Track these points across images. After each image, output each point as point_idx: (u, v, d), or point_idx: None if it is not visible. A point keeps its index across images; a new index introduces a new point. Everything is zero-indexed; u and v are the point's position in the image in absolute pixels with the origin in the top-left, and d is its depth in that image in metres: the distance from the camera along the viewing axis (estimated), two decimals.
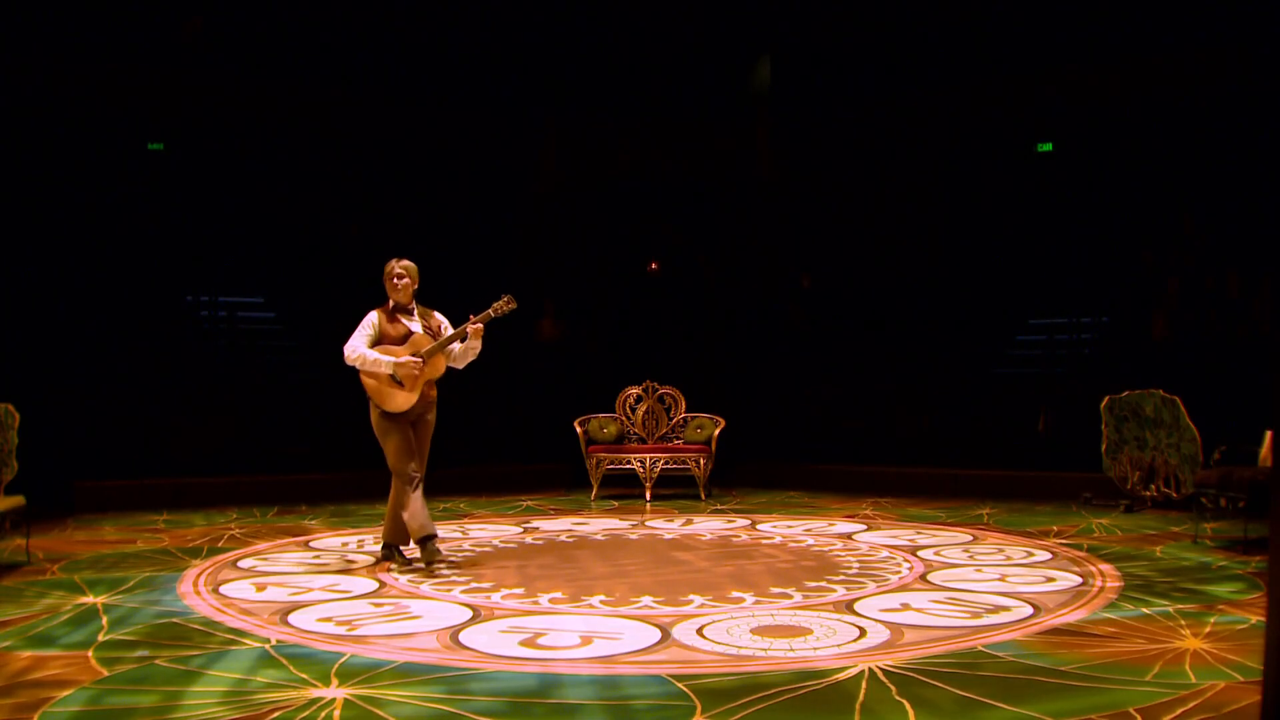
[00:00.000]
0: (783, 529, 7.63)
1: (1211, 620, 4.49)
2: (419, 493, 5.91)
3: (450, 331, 6.04)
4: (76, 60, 10.32)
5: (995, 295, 11.91)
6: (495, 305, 5.96)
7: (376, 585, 5.50)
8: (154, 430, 10.02)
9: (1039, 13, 11.26)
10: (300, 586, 5.46)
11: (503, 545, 6.90)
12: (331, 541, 7.08)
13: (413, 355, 5.85)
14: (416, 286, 6.09)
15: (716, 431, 9.89)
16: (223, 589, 5.36)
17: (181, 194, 11.24)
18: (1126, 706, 3.31)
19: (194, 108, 10.96)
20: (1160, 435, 8.37)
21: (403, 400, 5.87)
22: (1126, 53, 11.01)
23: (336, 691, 3.54)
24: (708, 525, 7.90)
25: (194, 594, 5.24)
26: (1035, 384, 10.94)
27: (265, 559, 6.36)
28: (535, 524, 7.98)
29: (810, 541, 6.97)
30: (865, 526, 7.70)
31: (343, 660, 3.94)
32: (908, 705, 3.35)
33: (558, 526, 7.86)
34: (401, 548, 6.10)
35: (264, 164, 11.62)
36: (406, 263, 6.05)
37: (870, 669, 3.75)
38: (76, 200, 10.65)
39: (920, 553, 6.42)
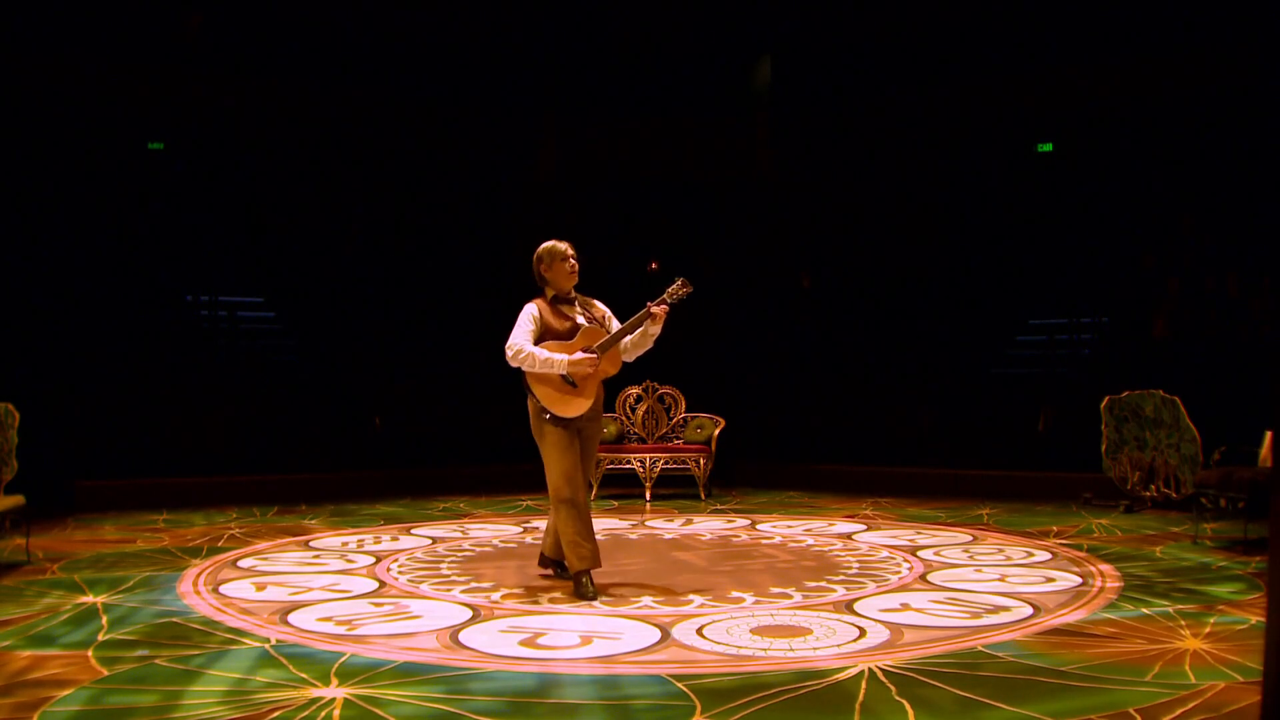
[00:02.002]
0: (783, 529, 7.63)
1: (1211, 620, 4.49)
2: (579, 514, 5.21)
3: (617, 323, 5.29)
4: (77, 60, 10.32)
5: (995, 295, 11.91)
6: (670, 289, 5.16)
7: (376, 585, 5.50)
8: (154, 430, 10.02)
9: (1039, 13, 11.26)
10: (300, 586, 5.46)
11: (503, 545, 6.90)
12: (331, 541, 7.08)
13: (585, 350, 5.12)
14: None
15: (716, 431, 9.89)
16: (223, 589, 5.36)
17: (181, 194, 11.24)
18: (1126, 706, 3.31)
19: (194, 108, 10.96)
20: (1160, 435, 8.37)
21: (577, 403, 5.14)
22: (1126, 53, 11.01)
23: (336, 691, 3.54)
24: (708, 525, 7.90)
25: (194, 593, 5.24)
26: (1035, 384, 10.95)
27: (265, 559, 6.36)
28: (535, 524, 7.98)
29: (810, 541, 6.97)
30: (865, 526, 7.70)
31: (343, 660, 3.94)
32: (907, 705, 3.35)
33: None
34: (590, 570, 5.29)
35: (264, 164, 11.62)
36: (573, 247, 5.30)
37: (870, 669, 3.75)
38: (76, 200, 10.65)
39: (920, 553, 6.42)
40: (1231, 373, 9.49)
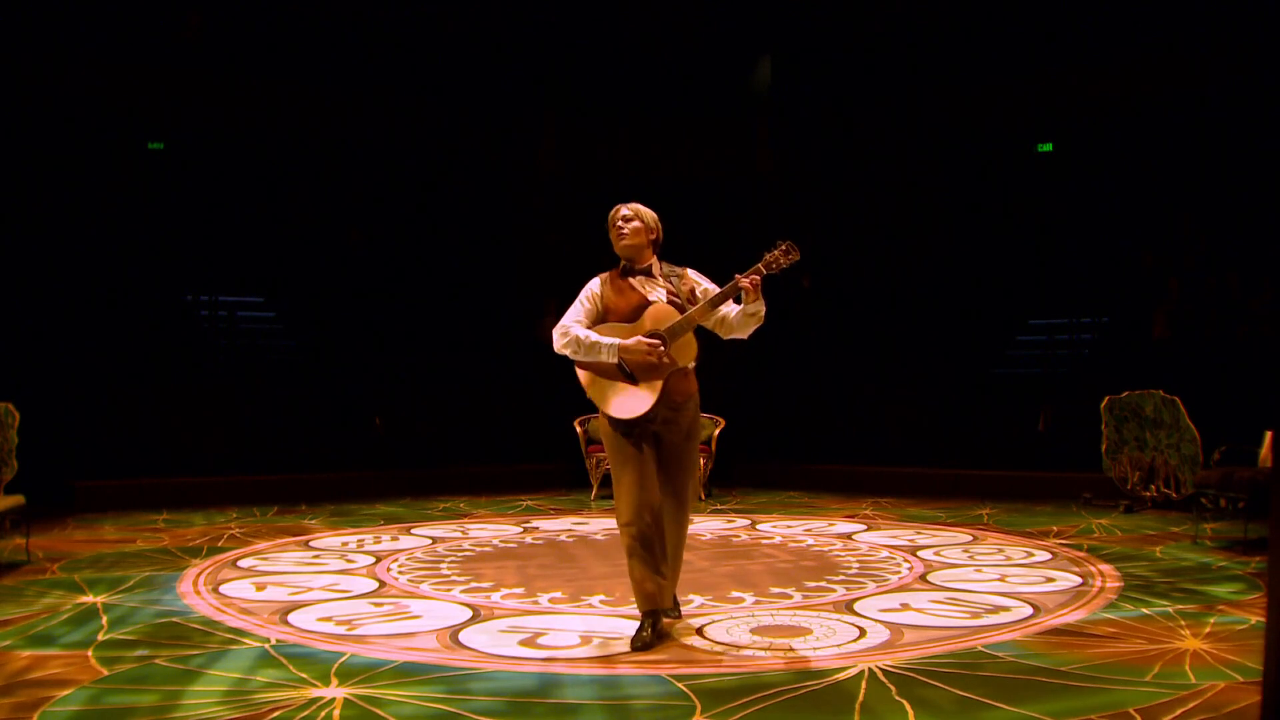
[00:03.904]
0: (783, 529, 7.63)
1: (1211, 620, 4.49)
2: (642, 544, 4.09)
3: (700, 299, 4.22)
4: (77, 60, 10.32)
5: (995, 295, 11.91)
6: (770, 256, 4.10)
7: (376, 585, 5.50)
8: (154, 430, 10.02)
9: (1039, 13, 11.26)
10: (300, 586, 5.46)
11: (503, 545, 6.90)
12: (331, 541, 7.08)
13: (650, 335, 4.14)
14: (656, 238, 4.36)
15: (716, 431, 9.88)
16: (222, 588, 5.36)
17: (181, 194, 11.24)
18: (1126, 706, 3.31)
19: (194, 108, 10.96)
20: (1160, 436, 8.37)
21: (636, 401, 4.14)
22: (1126, 53, 11.01)
23: (336, 691, 3.54)
24: (708, 525, 7.90)
25: (194, 593, 5.24)
26: (1035, 384, 10.95)
27: (265, 559, 6.36)
28: (535, 524, 7.98)
29: (810, 541, 6.97)
30: (865, 526, 7.70)
31: (343, 660, 3.94)
32: (907, 705, 3.35)
33: (558, 526, 7.86)
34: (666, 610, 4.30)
35: (264, 164, 11.62)
36: (637, 205, 4.37)
37: (870, 669, 3.75)
38: (76, 200, 10.65)
39: (920, 553, 6.42)
40: (1231, 373, 9.49)
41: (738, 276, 4.06)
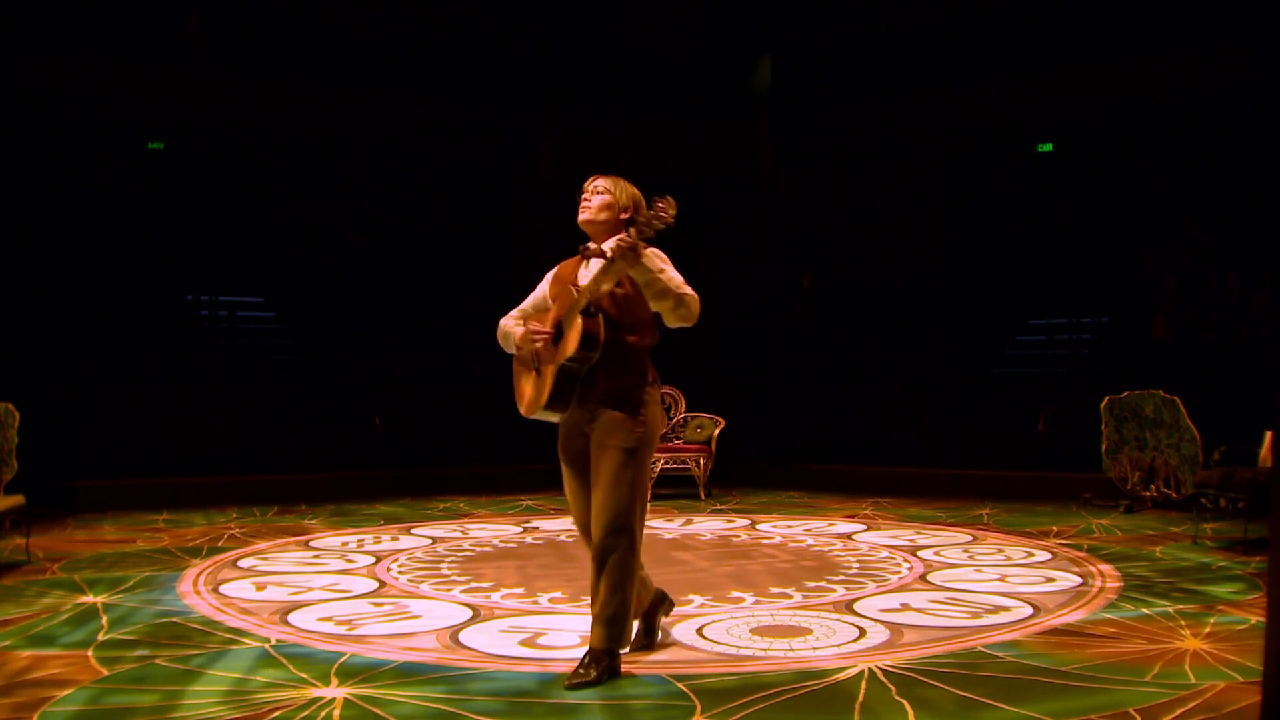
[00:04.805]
0: (783, 529, 7.63)
1: (1211, 620, 4.49)
2: (596, 560, 3.67)
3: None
4: (76, 60, 10.31)
5: (995, 295, 11.91)
6: (646, 215, 3.46)
7: (376, 585, 5.51)
8: (154, 430, 10.02)
9: (1039, 13, 11.26)
10: (300, 586, 5.46)
11: (503, 545, 6.90)
12: (331, 541, 7.09)
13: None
14: (631, 218, 3.71)
15: (716, 431, 9.89)
16: (222, 588, 5.36)
17: (181, 194, 11.23)
18: (1126, 706, 3.31)
19: (194, 108, 10.96)
20: (1160, 436, 8.37)
21: (529, 396, 3.82)
22: (1126, 53, 11.00)
23: (336, 691, 3.54)
24: (708, 525, 7.90)
25: (194, 593, 5.25)
26: (1035, 384, 10.95)
27: (265, 558, 6.36)
28: (535, 524, 7.98)
29: (810, 541, 6.98)
30: (865, 526, 7.70)
31: (343, 660, 3.94)
32: (907, 705, 3.35)
33: (558, 526, 7.86)
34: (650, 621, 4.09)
35: (264, 164, 11.62)
36: (618, 178, 3.84)
37: (870, 669, 3.75)
38: (76, 200, 10.64)
39: (920, 553, 6.42)
40: (1231, 373, 9.49)
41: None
